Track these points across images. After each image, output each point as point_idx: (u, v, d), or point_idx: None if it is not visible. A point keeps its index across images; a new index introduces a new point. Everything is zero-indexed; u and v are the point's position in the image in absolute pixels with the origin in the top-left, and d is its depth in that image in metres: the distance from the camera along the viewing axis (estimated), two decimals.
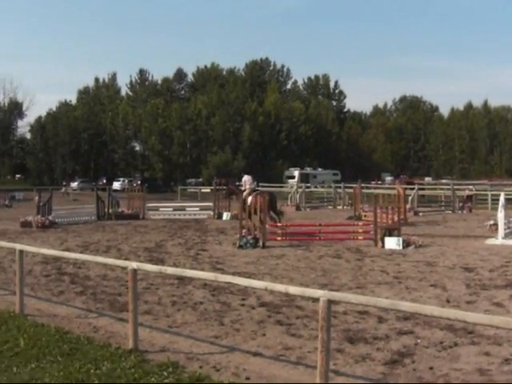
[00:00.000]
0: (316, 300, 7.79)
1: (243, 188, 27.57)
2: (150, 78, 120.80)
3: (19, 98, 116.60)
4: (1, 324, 10.71)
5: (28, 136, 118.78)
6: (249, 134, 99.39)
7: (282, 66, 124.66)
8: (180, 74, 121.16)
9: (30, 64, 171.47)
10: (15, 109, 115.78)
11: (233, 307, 12.29)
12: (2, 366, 8.60)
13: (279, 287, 8.54)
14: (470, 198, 44.04)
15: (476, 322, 7.04)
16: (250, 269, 17.20)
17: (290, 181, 75.94)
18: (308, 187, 56.97)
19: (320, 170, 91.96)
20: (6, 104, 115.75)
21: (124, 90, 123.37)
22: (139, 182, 72.48)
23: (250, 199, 24.87)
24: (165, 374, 8.28)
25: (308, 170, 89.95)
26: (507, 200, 24.91)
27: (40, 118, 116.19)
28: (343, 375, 8.35)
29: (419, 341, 9.84)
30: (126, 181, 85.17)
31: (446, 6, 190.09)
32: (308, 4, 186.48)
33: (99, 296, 13.47)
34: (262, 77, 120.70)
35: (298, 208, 44.71)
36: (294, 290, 8.41)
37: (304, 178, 76.74)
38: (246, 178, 27.65)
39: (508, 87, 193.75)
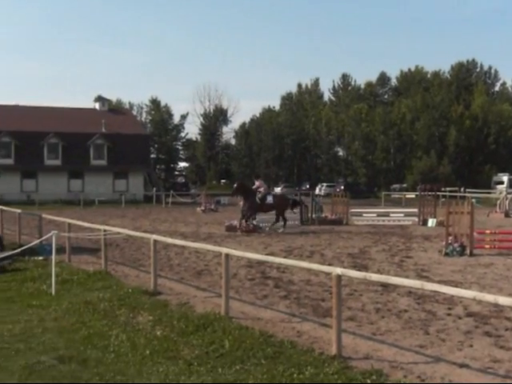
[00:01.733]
0: None
1: (259, 190, 30.99)
2: (352, 83, 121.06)
3: (224, 105, 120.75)
4: (207, 325, 11.06)
5: (233, 142, 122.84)
6: (455, 138, 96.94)
7: (490, 68, 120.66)
8: (383, 78, 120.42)
9: (234, 71, 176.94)
10: (220, 115, 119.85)
11: (438, 316, 12.02)
12: (207, 367, 8.88)
13: (488, 297, 8.23)
14: None
15: None
16: (457, 277, 16.74)
17: (499, 186, 73.05)
18: None
19: None
20: (212, 111, 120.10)
21: (327, 95, 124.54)
22: (342, 188, 72.69)
23: (269, 198, 30.82)
24: (368, 381, 8.23)
25: None
26: None
27: (244, 124, 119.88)
28: None
29: None
30: (324, 186, 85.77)
31: None
32: None
33: (303, 301, 13.62)
34: (468, 79, 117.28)
35: (507, 215, 43.00)
36: (504, 300, 8.07)
37: None
38: (259, 183, 31.87)
39: None
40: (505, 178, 79.98)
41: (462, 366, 8.95)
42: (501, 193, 51.89)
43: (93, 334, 10.80)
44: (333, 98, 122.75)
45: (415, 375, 8.55)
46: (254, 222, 31.11)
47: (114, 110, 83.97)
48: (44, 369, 8.88)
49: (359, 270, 14.62)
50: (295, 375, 8.40)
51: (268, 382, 8.23)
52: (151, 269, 15.05)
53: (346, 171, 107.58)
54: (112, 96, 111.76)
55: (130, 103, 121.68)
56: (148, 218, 41.22)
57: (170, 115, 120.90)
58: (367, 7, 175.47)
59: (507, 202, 45.05)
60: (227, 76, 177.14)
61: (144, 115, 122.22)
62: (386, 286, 14.50)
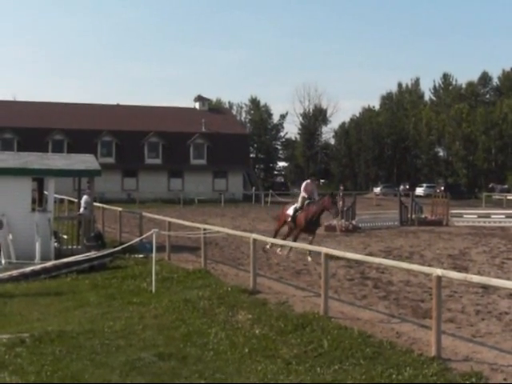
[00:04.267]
0: None
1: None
2: (453, 83, 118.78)
3: (323, 105, 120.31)
4: (306, 325, 11.16)
5: (332, 142, 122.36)
6: None
7: None
8: (485, 78, 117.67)
9: (333, 71, 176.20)
10: (320, 115, 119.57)
11: None
12: (306, 366, 8.98)
13: None
14: None
15: None
16: None
17: None
18: None
19: None
20: (311, 110, 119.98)
21: (427, 95, 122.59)
22: (443, 188, 71.57)
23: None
24: (468, 383, 8.20)
25: None
26: None
27: (344, 123, 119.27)
28: None
29: None
30: (424, 186, 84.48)
31: None
32: None
33: (402, 302, 13.60)
34: None
35: None
36: None
37: None
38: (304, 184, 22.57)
39: None
40: None
41: None
42: None
43: (192, 331, 11.04)
44: (433, 98, 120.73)
45: None
46: (354, 222, 31.08)
47: (214, 109, 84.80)
48: (144, 365, 9.15)
49: (459, 272, 14.48)
50: (394, 376, 8.44)
51: (367, 382, 8.29)
52: (250, 267, 15.25)
53: (446, 172, 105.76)
54: (212, 96, 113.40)
55: (229, 103, 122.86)
56: (247, 217, 41.56)
57: (270, 115, 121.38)
58: (467, 6, 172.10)
59: None
60: (327, 75, 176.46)
61: (243, 115, 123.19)
62: (486, 288, 14.34)
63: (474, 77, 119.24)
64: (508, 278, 15.45)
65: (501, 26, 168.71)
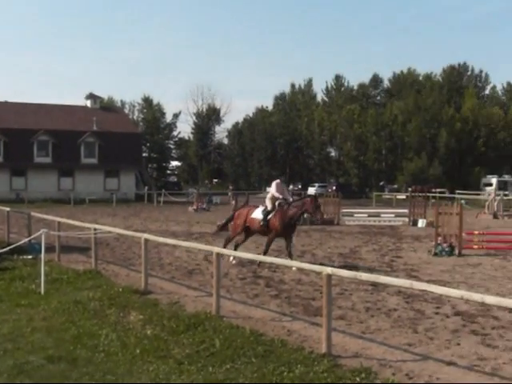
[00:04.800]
0: None
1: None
2: (345, 84, 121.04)
3: (217, 104, 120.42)
4: (197, 324, 11.11)
5: (225, 141, 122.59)
6: (445, 140, 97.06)
7: (481, 71, 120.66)
8: (376, 80, 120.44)
9: (227, 71, 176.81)
10: (213, 114, 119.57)
11: (427, 315, 12.17)
12: (198, 366, 8.92)
13: (475, 296, 8.35)
14: None
15: None
16: (445, 277, 16.91)
17: (488, 188, 73.27)
18: (506, 195, 54.97)
19: None
20: (205, 110, 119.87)
21: (320, 96, 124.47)
22: (334, 188, 72.81)
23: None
24: (357, 379, 8.33)
25: (506, 177, 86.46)
26: None
27: (237, 123, 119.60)
28: None
29: None
30: (316, 186, 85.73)
31: None
32: (508, 6, 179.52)
33: (293, 300, 13.72)
34: (459, 82, 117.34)
35: (495, 216, 43.33)
36: (490, 299, 8.20)
37: (502, 186, 73.90)
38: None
39: None
40: (493, 180, 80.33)
41: (449, 363, 9.08)
42: (489, 195, 52.06)
43: (82, 333, 10.77)
44: (326, 99, 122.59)
45: (403, 373, 8.66)
46: None
47: (106, 108, 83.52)
48: (33, 368, 8.88)
49: (350, 270, 14.72)
50: (285, 374, 8.48)
51: (258, 380, 8.30)
52: (142, 268, 15.10)
53: (338, 172, 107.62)
54: (104, 94, 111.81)
55: (121, 101, 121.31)
56: (139, 217, 41.22)
57: (163, 114, 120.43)
58: (361, 9, 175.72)
59: (495, 203, 45.29)
60: (221, 75, 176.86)
61: (136, 114, 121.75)
62: (375, 286, 14.64)
63: (366, 78, 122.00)
64: (397, 276, 15.83)
65: (391, 29, 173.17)
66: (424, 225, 34.84)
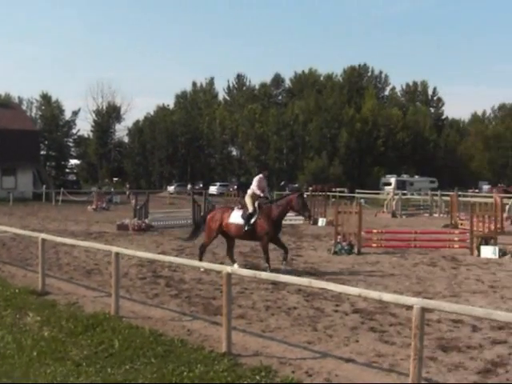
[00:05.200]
0: (410, 308, 7.74)
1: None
2: (247, 83, 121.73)
3: (117, 102, 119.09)
4: (96, 325, 10.94)
5: (126, 140, 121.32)
6: (346, 140, 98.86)
7: (380, 72, 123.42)
8: (277, 80, 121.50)
9: (128, 68, 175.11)
10: (113, 112, 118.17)
11: (326, 313, 12.30)
12: (97, 367, 8.78)
13: (373, 294, 8.49)
14: None
15: None
16: (345, 275, 17.15)
17: (387, 188, 75.13)
18: (404, 194, 56.30)
19: (417, 177, 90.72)
20: (105, 108, 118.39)
21: (221, 95, 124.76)
22: (236, 187, 73.01)
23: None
24: (257, 378, 8.34)
25: (405, 177, 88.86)
26: None
27: (138, 121, 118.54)
28: (435, 383, 8.25)
29: None
30: (217, 186, 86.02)
31: None
32: (407, 11, 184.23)
33: (194, 299, 13.66)
34: (359, 83, 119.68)
35: (393, 215, 44.29)
36: (387, 297, 8.36)
37: (400, 185, 75.78)
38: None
39: None
40: (392, 180, 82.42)
41: (348, 360, 9.19)
42: (388, 194, 53.24)
43: None
44: (227, 98, 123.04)
45: (303, 370, 8.72)
46: (147, 221, 30.92)
47: (2, 104, 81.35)
48: None
49: (250, 269, 14.74)
50: (185, 373, 8.42)
51: (158, 381, 8.21)
52: (39, 268, 14.75)
53: (240, 171, 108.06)
54: (0, 90, 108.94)
55: (19, 98, 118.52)
56: (37, 217, 40.27)
57: (61, 111, 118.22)
58: (262, 8, 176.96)
59: (394, 202, 46.32)
60: (121, 72, 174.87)
61: (34, 110, 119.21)
62: (276, 284, 14.71)
63: (268, 78, 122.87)
64: (297, 275, 15.96)
65: (292, 29, 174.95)
66: (324, 224, 35.33)
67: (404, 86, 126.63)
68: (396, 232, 26.98)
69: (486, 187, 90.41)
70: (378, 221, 38.50)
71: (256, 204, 17.48)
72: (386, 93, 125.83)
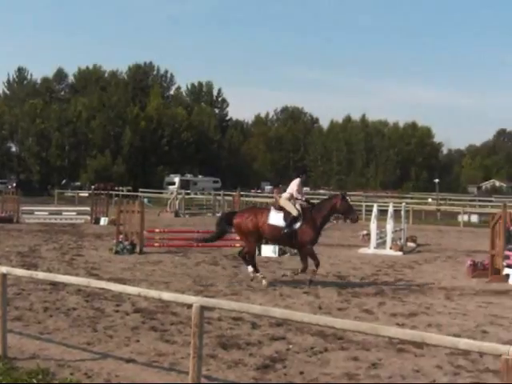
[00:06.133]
0: (190, 306, 7.83)
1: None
2: (28, 77, 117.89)
3: None
4: None
5: None
6: (130, 138, 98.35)
7: (166, 71, 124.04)
8: (60, 75, 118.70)
9: None
10: None
11: (107, 313, 12.18)
12: None
13: (153, 293, 8.54)
14: None
15: (344, 328, 7.26)
16: (126, 275, 17.09)
17: (170, 187, 75.56)
18: (188, 194, 57.04)
19: (200, 177, 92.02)
20: None
21: (1, 89, 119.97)
22: (14, 185, 70.60)
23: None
24: (34, 381, 8.14)
25: (188, 176, 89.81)
26: (380, 211, 25.85)
27: None
28: (215, 380, 8.44)
29: (291, 346, 10.05)
30: None
31: (331, 20, 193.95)
32: (193, 11, 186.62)
33: None
34: (145, 81, 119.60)
35: (177, 214, 44.76)
36: (167, 296, 8.43)
37: (184, 185, 76.59)
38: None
39: (385, 102, 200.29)
40: (176, 179, 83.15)
41: (128, 360, 9.16)
42: (172, 193, 53.67)
43: None
44: (7, 92, 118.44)
45: (82, 372, 8.59)
46: None
47: None
48: None
49: (28, 269, 14.32)
50: None
51: None
52: None
53: (19, 168, 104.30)
54: None
55: None
56: None
57: None
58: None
59: (177, 202, 46.79)
60: None
61: None
62: (55, 285, 14.35)
63: (50, 73, 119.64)
64: (77, 275, 15.74)
65: (77, 24, 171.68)
66: (106, 223, 35.01)
67: (189, 86, 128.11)
68: (179, 231, 27.25)
69: (268, 187, 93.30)
70: (161, 220, 38.71)
71: (299, 207, 16.35)
72: (172, 92, 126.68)
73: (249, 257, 16.66)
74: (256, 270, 16.44)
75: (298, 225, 16.07)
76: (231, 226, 17.10)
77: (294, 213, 16.11)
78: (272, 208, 16.90)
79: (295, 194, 16.58)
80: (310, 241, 16.28)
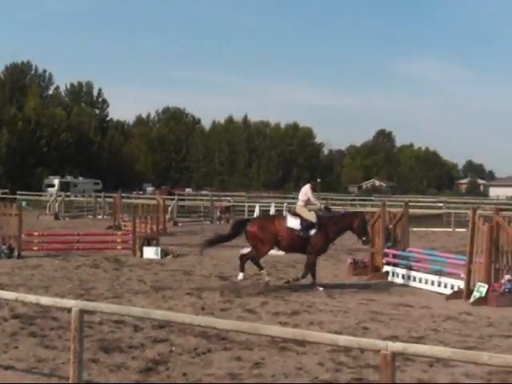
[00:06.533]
0: (70, 310, 7.72)
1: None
2: None
3: None
4: None
5: None
6: (7, 139, 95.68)
7: (44, 71, 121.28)
8: None
9: None
10: None
11: None
12: None
13: (30, 298, 8.38)
14: (227, 208, 45.40)
15: (226, 328, 7.33)
16: (4, 280, 16.66)
17: (50, 189, 73.98)
18: (68, 196, 55.96)
19: (81, 178, 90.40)
20: None
21: None
22: None
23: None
24: None
25: (68, 178, 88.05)
26: (262, 211, 26.17)
27: None
28: None
29: (173, 348, 10.06)
30: None
31: (216, 20, 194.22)
32: (74, 10, 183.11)
33: None
34: (22, 81, 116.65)
35: (56, 217, 43.82)
36: (46, 300, 8.30)
37: (64, 187, 75.08)
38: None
39: (267, 103, 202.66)
40: (56, 181, 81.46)
41: (7, 367, 8.94)
42: (51, 195, 52.55)
43: None
44: None
45: None
46: None
47: None
48: None
49: None
50: None
51: None
52: None
53: None
54: None
55: None
56: None
57: None
58: None
59: (57, 204, 45.86)
60: None
61: None
62: None
63: None
64: None
65: None
66: None
67: (69, 86, 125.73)
68: (58, 234, 26.77)
69: (150, 189, 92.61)
70: (41, 223, 37.79)
71: (314, 215, 16.51)
72: (50, 92, 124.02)
73: (254, 260, 16.77)
74: (260, 268, 16.70)
75: (313, 231, 16.26)
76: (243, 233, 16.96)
77: (313, 219, 16.36)
78: (288, 214, 17.25)
79: (313, 200, 16.91)
80: (319, 250, 16.64)
